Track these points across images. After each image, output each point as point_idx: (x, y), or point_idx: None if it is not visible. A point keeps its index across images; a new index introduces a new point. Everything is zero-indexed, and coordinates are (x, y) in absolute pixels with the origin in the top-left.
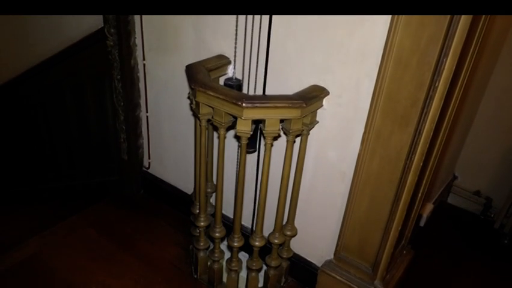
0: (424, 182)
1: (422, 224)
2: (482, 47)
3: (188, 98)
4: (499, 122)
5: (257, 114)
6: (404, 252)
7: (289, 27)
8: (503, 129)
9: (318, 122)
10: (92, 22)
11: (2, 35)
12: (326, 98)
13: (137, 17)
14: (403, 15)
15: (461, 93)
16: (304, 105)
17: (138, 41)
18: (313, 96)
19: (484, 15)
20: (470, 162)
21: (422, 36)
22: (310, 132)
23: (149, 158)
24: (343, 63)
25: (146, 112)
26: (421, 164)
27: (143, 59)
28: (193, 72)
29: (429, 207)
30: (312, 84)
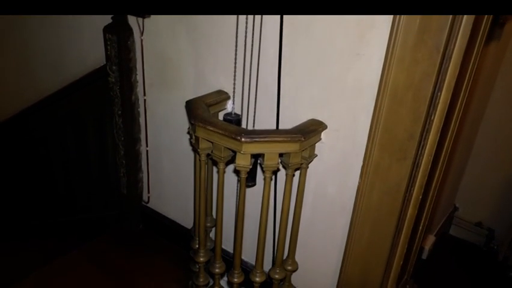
0: (425, 214)
1: (424, 256)
2: (475, 80)
3: (188, 133)
4: (497, 152)
5: (256, 148)
6: (407, 287)
7: (287, 63)
8: (502, 158)
9: (316, 155)
10: (94, 59)
11: (6, 71)
12: (324, 131)
13: (138, 54)
14: (397, 50)
15: (457, 126)
16: (303, 139)
17: (139, 77)
18: (311, 130)
19: (474, 53)
20: (470, 193)
21: (415, 72)
22: (309, 165)
23: (148, 193)
24: (340, 97)
25: (147, 146)
26: (420, 197)
27: (144, 95)
28: (192, 107)
29: (431, 240)
30: (310, 118)
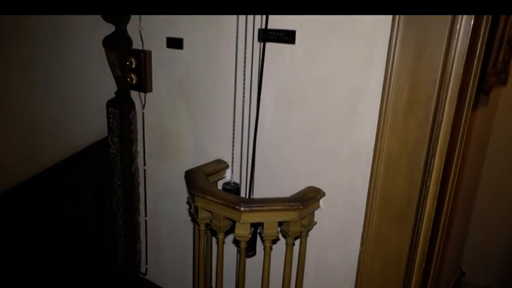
0: (430, 280)
1: None
2: (468, 146)
3: (187, 202)
4: (498, 214)
5: (255, 217)
6: None
7: (283, 132)
8: (505, 220)
9: (316, 223)
10: (96, 131)
11: (12, 141)
12: (322, 199)
13: (139, 126)
14: (388, 120)
15: (454, 190)
16: (302, 207)
17: (140, 147)
18: (309, 198)
19: (463, 120)
20: (476, 257)
21: (408, 139)
22: (309, 233)
23: (146, 264)
24: (336, 165)
25: (145, 216)
26: (423, 264)
27: (144, 165)
28: (192, 177)
29: None
30: (308, 185)
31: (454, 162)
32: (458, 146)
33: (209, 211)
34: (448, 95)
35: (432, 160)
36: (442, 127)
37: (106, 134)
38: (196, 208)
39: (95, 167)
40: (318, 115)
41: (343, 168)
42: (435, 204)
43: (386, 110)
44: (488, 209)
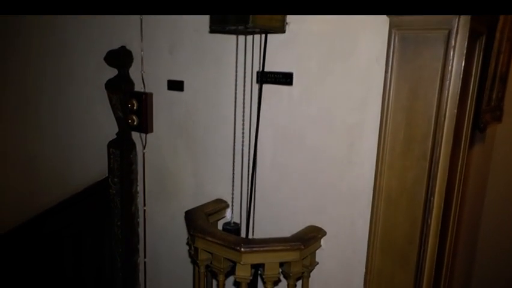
0: None
1: None
2: (467, 184)
3: (187, 243)
4: (502, 255)
5: (256, 258)
6: None
7: (283, 172)
8: (509, 260)
9: (318, 263)
10: (97, 172)
11: (8, 182)
12: (323, 238)
13: (140, 167)
14: (387, 158)
15: (455, 227)
16: (303, 247)
17: (140, 188)
18: (310, 237)
19: (460, 158)
20: None
21: (406, 178)
22: (311, 274)
23: None
24: (336, 203)
25: (145, 257)
26: None
27: (144, 205)
28: (192, 218)
29: None
30: (308, 224)
31: (454, 200)
32: (457, 183)
33: (209, 252)
34: (444, 133)
35: (432, 198)
36: (440, 165)
37: (106, 175)
38: (196, 249)
39: (94, 207)
40: (317, 153)
41: (343, 206)
42: (437, 243)
43: (383, 148)
44: (492, 245)
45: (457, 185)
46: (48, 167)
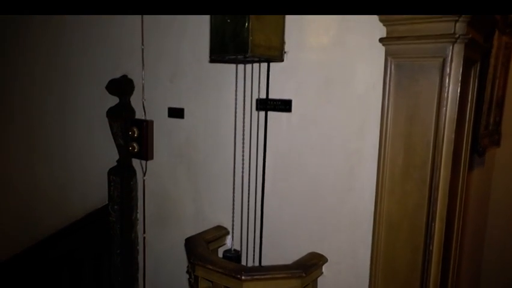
0: None
1: None
2: (468, 208)
3: (187, 271)
4: (505, 276)
5: (257, 286)
6: None
7: (283, 198)
8: None
9: None
10: (97, 199)
11: (8, 209)
12: (324, 265)
13: (140, 193)
14: (386, 184)
15: (458, 253)
16: (304, 275)
17: (140, 215)
18: (312, 265)
19: (460, 182)
20: None
21: (407, 203)
22: None
23: None
24: (338, 230)
25: (144, 286)
26: None
27: (144, 232)
28: (192, 245)
29: None
30: (309, 251)
31: (456, 225)
32: (458, 208)
33: (210, 281)
34: (443, 158)
35: (433, 224)
36: (440, 190)
37: (106, 202)
38: (196, 278)
39: (94, 235)
40: (317, 180)
41: (344, 232)
42: (440, 270)
43: (383, 174)
44: (496, 270)
45: (457, 209)
46: (48, 194)
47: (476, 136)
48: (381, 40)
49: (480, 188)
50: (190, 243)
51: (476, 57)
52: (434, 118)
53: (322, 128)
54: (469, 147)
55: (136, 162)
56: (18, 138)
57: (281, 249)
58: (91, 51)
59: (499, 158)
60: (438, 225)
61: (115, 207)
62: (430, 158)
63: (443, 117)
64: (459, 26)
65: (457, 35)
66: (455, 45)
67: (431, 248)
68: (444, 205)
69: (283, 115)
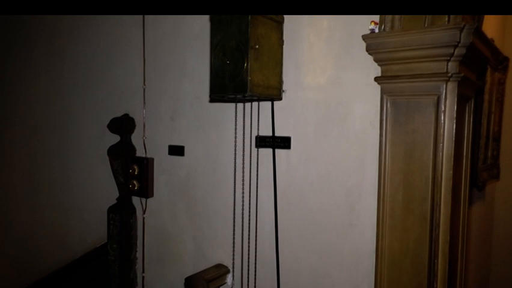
0: None
1: None
2: (470, 244)
3: None
4: None
5: None
6: None
7: (285, 234)
8: None
9: None
10: (96, 238)
11: (6, 248)
12: None
13: (139, 231)
14: (387, 220)
15: None
16: None
17: (139, 253)
18: None
19: (461, 218)
20: None
21: (408, 239)
22: None
23: None
24: (339, 267)
25: None
26: None
27: (143, 271)
28: (192, 285)
29: None
30: None
31: (459, 261)
32: (460, 244)
33: None
34: (442, 194)
35: (436, 261)
36: (441, 226)
37: (105, 241)
38: None
39: (92, 275)
40: (317, 215)
41: (347, 269)
42: None
43: (383, 210)
44: None
45: (460, 245)
46: (47, 232)
47: (475, 170)
48: (376, 79)
49: (482, 223)
50: (190, 282)
51: (470, 94)
52: (431, 154)
53: (321, 164)
54: (468, 182)
55: (136, 200)
56: (19, 175)
57: (283, 286)
58: (93, 90)
59: (499, 191)
60: (441, 262)
61: (114, 246)
62: (430, 194)
63: (441, 154)
64: (451, 65)
65: (450, 74)
66: (449, 83)
67: (435, 285)
68: (447, 241)
69: (282, 152)
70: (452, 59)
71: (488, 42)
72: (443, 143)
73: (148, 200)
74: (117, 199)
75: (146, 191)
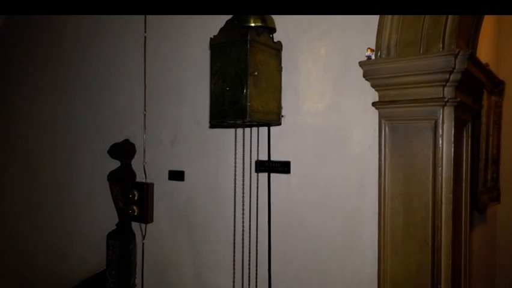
0: None
1: None
2: (473, 269)
3: None
4: None
5: None
6: None
7: (285, 258)
8: None
9: None
10: (94, 264)
11: (4, 274)
12: None
13: (139, 257)
14: (388, 244)
15: None
16: None
17: (138, 280)
18: None
19: (463, 242)
20: None
21: (410, 264)
22: None
23: None
24: None
25: None
26: None
27: None
28: None
29: None
30: None
31: (462, 285)
32: (463, 267)
33: None
34: (443, 218)
35: (439, 286)
36: (443, 250)
37: (104, 267)
38: None
39: None
40: (318, 240)
41: None
42: None
43: (384, 234)
44: None
45: (463, 269)
46: (45, 258)
47: (475, 193)
48: (374, 104)
49: (484, 246)
50: None
51: (467, 118)
52: (431, 178)
53: (321, 188)
54: (468, 205)
55: (135, 226)
56: (19, 199)
57: None
58: (94, 115)
59: (500, 214)
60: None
61: (113, 272)
62: (430, 218)
63: (440, 177)
64: (447, 90)
65: (446, 99)
66: (445, 108)
67: None
68: (449, 265)
69: (282, 176)
70: (448, 84)
71: (483, 67)
72: (442, 166)
73: (148, 225)
74: (116, 225)
75: (146, 217)
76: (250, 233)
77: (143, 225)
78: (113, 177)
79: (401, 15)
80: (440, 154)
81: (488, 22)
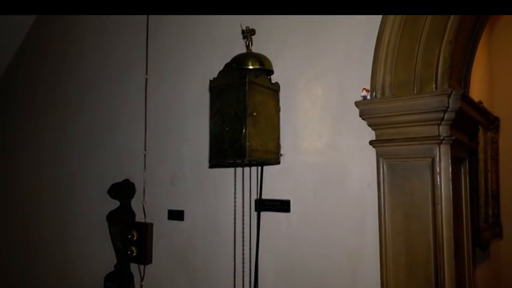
0: None
1: None
2: None
3: None
4: None
5: None
6: None
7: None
8: None
9: None
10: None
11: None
12: None
13: None
14: (391, 284)
15: None
16: None
17: None
18: None
19: (467, 277)
20: None
21: None
22: None
23: None
24: None
25: None
26: None
27: None
28: None
29: None
30: None
31: None
32: None
33: None
34: (445, 256)
35: None
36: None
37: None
38: None
39: None
40: (319, 279)
41: None
42: None
43: (387, 274)
44: None
45: None
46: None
47: (477, 230)
48: (371, 142)
49: (489, 284)
50: None
51: (463, 155)
52: (430, 216)
53: (321, 227)
54: (470, 242)
55: (134, 267)
56: (15, 238)
57: None
58: (94, 154)
59: (504, 250)
60: None
61: None
62: (432, 256)
63: (440, 215)
64: (442, 129)
65: (442, 137)
66: (441, 146)
67: None
68: None
69: (282, 215)
70: (442, 123)
71: (476, 106)
72: (441, 204)
73: (147, 266)
74: (115, 266)
75: (145, 258)
76: (250, 272)
77: (141, 267)
78: (112, 218)
79: (394, 56)
80: (438, 191)
81: (480, 61)
